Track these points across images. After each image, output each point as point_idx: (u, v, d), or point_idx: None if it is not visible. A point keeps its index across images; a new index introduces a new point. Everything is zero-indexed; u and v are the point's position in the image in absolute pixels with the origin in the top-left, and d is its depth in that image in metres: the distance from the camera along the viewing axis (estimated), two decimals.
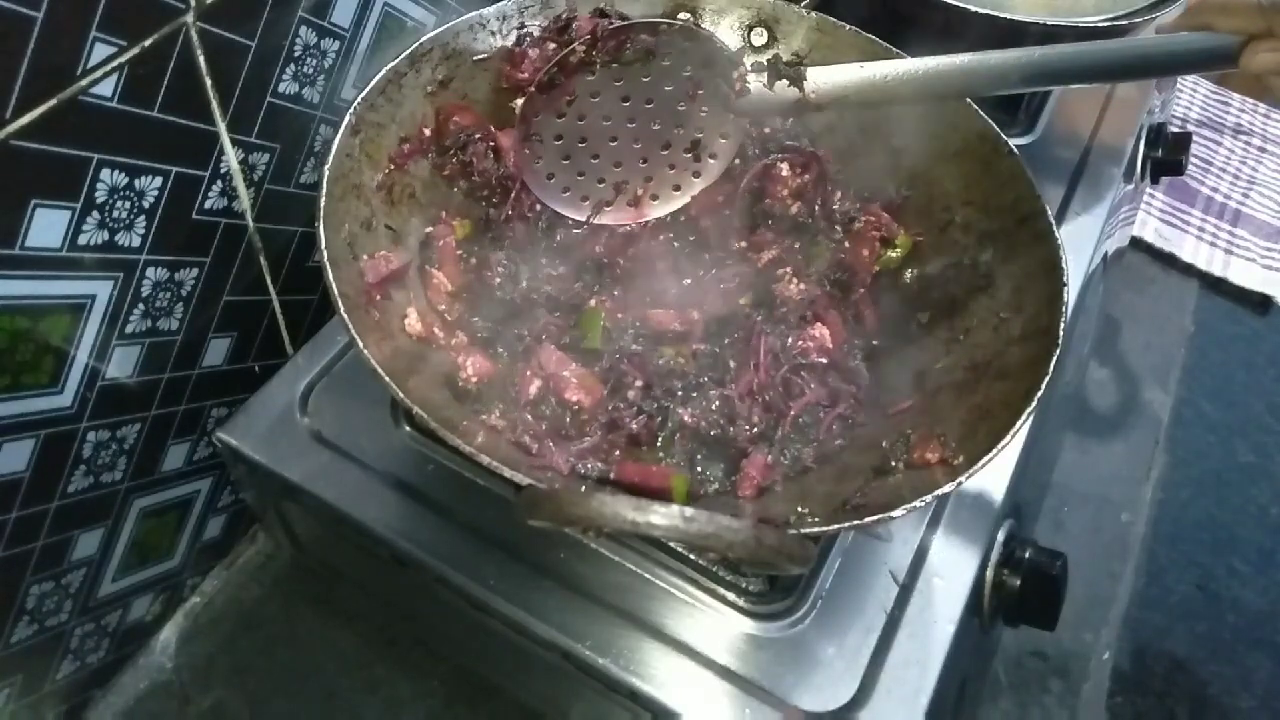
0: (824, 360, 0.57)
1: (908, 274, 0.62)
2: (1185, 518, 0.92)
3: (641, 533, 0.38)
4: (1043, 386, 0.48)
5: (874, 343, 0.61)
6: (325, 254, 0.49)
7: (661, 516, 0.38)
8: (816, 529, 0.45)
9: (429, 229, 0.60)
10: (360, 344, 0.46)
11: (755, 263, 0.63)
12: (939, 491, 0.45)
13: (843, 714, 0.53)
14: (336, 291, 0.48)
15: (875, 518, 0.44)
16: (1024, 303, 0.55)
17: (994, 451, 0.46)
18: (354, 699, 0.69)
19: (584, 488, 0.50)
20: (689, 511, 0.38)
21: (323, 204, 0.51)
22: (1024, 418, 0.47)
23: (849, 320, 0.60)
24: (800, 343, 0.57)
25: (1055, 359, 0.50)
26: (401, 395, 0.45)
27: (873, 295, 0.62)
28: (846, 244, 0.63)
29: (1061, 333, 0.51)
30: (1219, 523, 0.93)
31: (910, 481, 0.49)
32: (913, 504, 0.45)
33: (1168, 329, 1.08)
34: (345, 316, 0.47)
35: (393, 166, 0.59)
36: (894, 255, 0.63)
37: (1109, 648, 0.83)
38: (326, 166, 0.53)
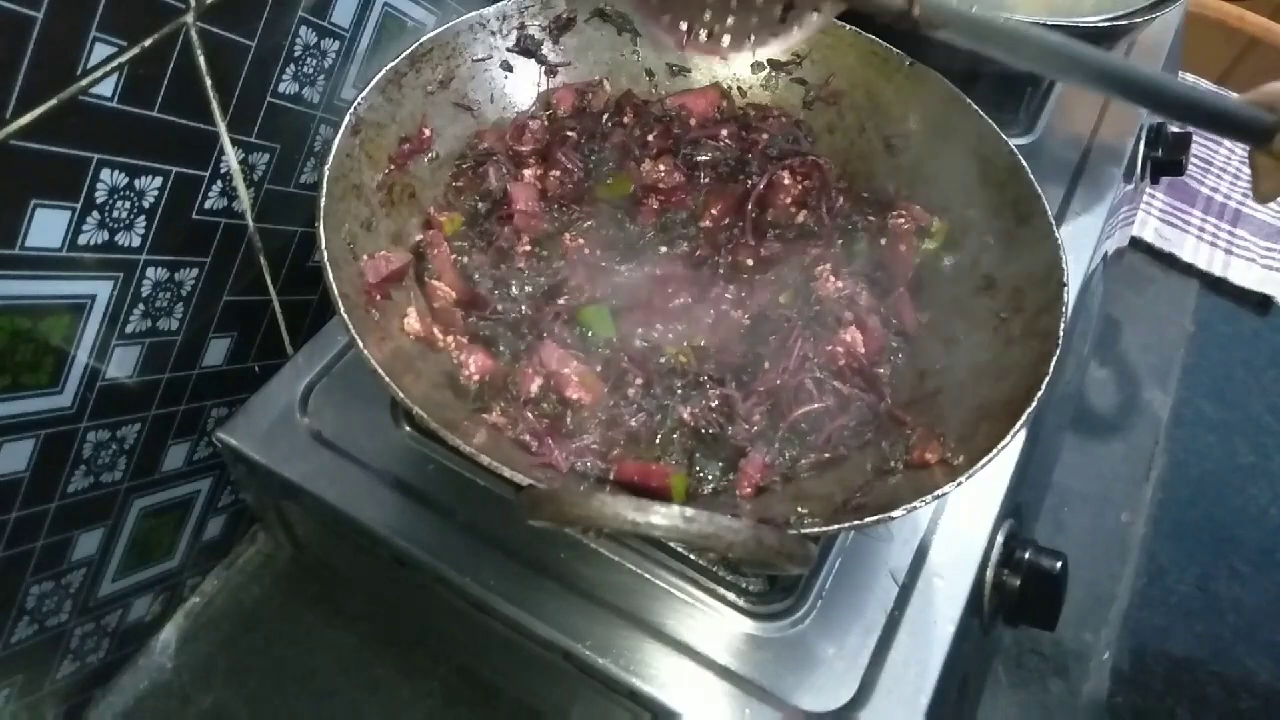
0: (853, 365, 0.56)
1: (946, 261, 0.61)
2: (1185, 518, 0.92)
3: (642, 533, 0.39)
4: (1043, 386, 0.48)
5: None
6: (325, 254, 0.49)
7: (662, 516, 0.38)
8: (816, 529, 0.45)
9: (418, 237, 0.59)
10: (360, 344, 0.46)
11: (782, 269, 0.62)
12: (939, 491, 0.45)
13: (843, 714, 0.53)
14: (336, 291, 0.48)
15: (875, 518, 0.44)
16: (1024, 303, 0.55)
17: (994, 451, 0.46)
18: (354, 699, 0.69)
19: (584, 487, 0.50)
20: (689, 511, 0.38)
21: (323, 204, 0.51)
22: (1024, 418, 0.47)
23: (889, 322, 0.59)
24: (830, 348, 0.56)
25: (1055, 359, 0.50)
26: (401, 395, 0.45)
27: (912, 293, 0.60)
28: (883, 241, 0.62)
29: (1061, 333, 0.51)
30: (1219, 523, 0.92)
31: (910, 481, 0.50)
32: (913, 504, 0.45)
33: (1168, 329, 1.08)
34: (345, 316, 0.47)
35: (393, 166, 0.59)
36: (931, 245, 0.62)
37: (1109, 648, 0.83)
38: (326, 166, 0.53)
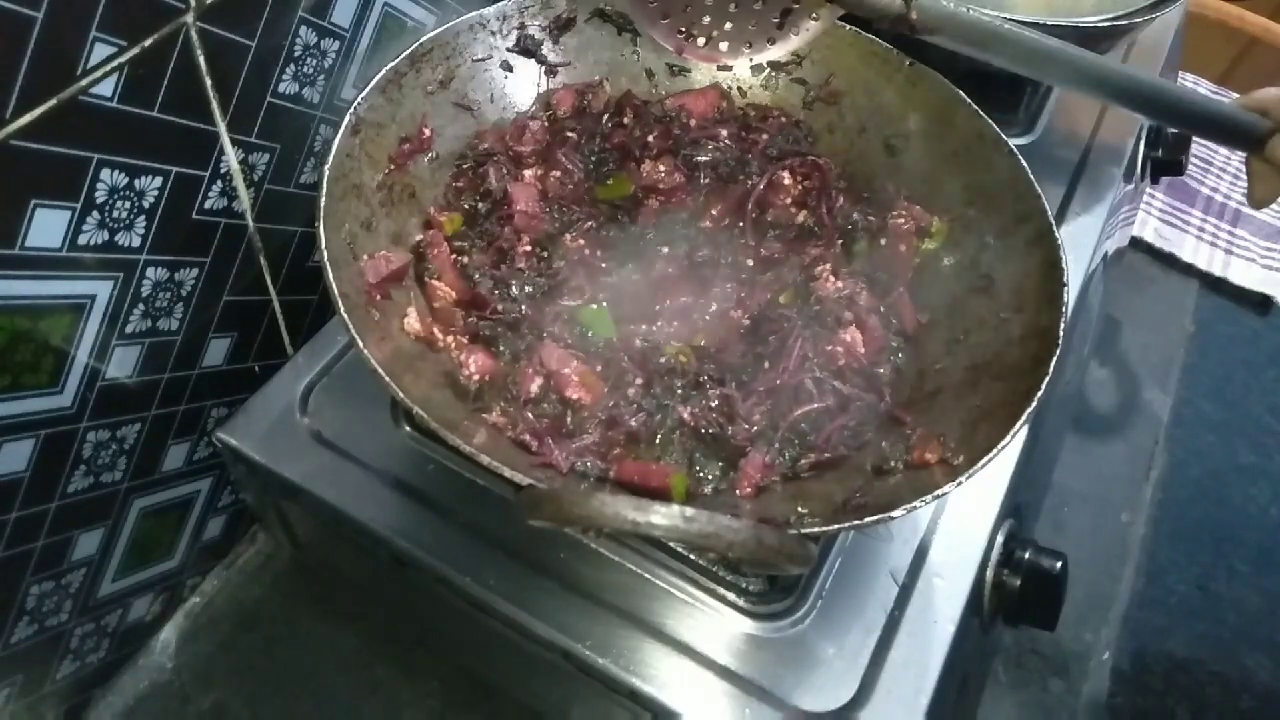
0: (853, 365, 0.56)
1: (946, 261, 0.61)
2: (1185, 518, 0.92)
3: (642, 533, 0.38)
4: (1043, 386, 0.48)
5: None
6: (325, 254, 0.49)
7: (662, 516, 0.38)
8: (816, 529, 0.45)
9: (418, 237, 0.59)
10: (360, 344, 0.46)
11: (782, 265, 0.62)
12: (939, 491, 0.45)
13: (843, 714, 0.53)
14: (336, 291, 0.48)
15: (875, 518, 0.44)
16: (1024, 303, 0.55)
17: (994, 451, 0.46)
18: (354, 699, 0.69)
19: (584, 487, 0.50)
20: (689, 511, 0.38)
21: (323, 204, 0.51)
22: (1024, 418, 0.47)
23: (889, 322, 0.59)
24: (830, 348, 0.56)
25: (1055, 359, 0.50)
26: (401, 395, 0.45)
27: (912, 294, 0.60)
28: (883, 241, 0.62)
29: (1061, 333, 0.51)
30: (1219, 523, 0.93)
31: (910, 481, 0.49)
32: (913, 504, 0.45)
33: (1168, 329, 1.08)
34: (345, 316, 0.47)
35: (393, 166, 0.59)
36: (931, 245, 0.62)
37: (1109, 648, 0.83)
38: (326, 166, 0.53)
